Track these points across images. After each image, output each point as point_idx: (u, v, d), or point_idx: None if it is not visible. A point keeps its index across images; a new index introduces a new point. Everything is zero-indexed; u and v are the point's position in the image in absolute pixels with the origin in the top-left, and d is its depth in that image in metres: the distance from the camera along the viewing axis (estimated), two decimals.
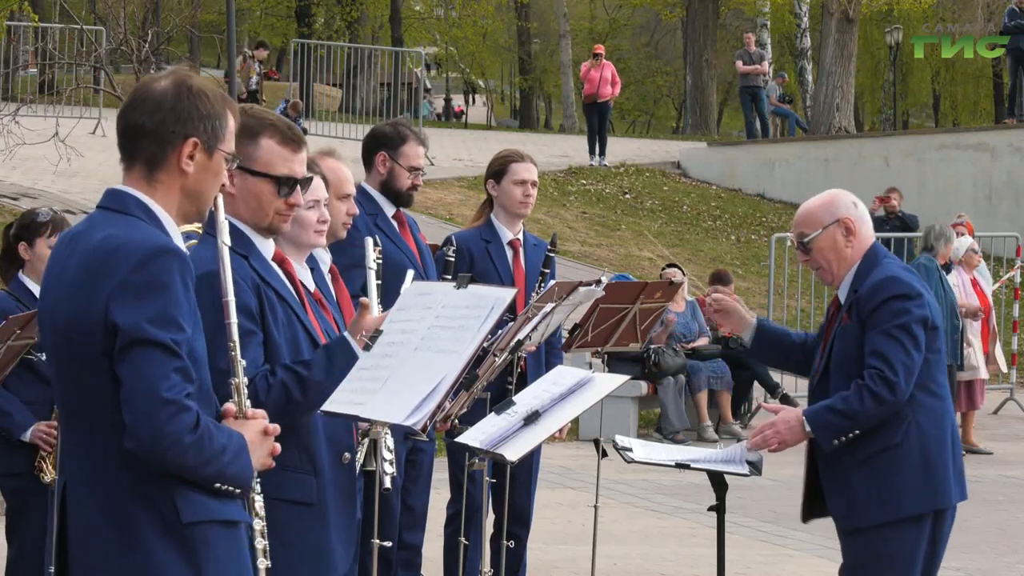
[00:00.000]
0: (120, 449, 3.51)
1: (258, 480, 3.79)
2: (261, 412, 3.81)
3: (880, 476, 5.42)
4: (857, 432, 5.40)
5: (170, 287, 3.52)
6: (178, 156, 3.68)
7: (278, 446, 3.79)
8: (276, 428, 3.79)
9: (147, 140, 3.68)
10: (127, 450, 3.50)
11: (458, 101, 62.72)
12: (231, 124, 3.79)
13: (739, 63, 30.08)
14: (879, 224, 19.15)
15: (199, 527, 3.58)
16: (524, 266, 7.25)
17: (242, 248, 4.40)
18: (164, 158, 3.69)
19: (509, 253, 7.24)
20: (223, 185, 3.83)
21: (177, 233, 3.72)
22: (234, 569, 3.67)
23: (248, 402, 3.76)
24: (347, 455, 4.51)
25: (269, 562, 3.80)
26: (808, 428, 5.46)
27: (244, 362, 3.77)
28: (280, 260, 4.52)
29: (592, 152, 26.86)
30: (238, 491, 3.66)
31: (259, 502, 3.80)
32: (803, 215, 5.68)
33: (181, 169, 3.69)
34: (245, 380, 3.76)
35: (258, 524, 3.79)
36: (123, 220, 3.64)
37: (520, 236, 7.29)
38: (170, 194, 3.71)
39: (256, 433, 3.72)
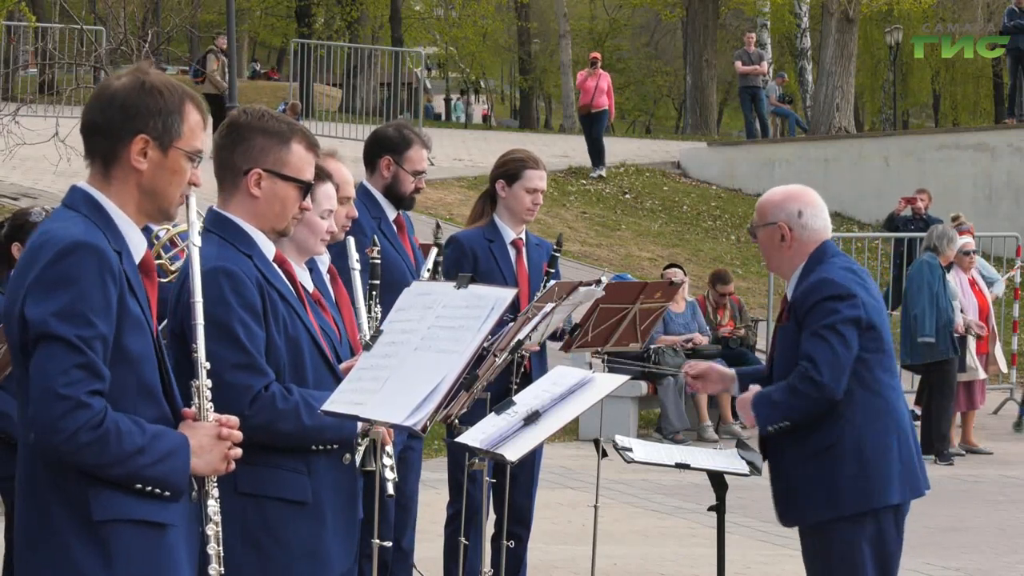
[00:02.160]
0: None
1: (215, 485, 3.71)
2: (233, 420, 3.76)
3: (817, 475, 5.51)
4: (788, 424, 5.52)
5: (81, 282, 3.50)
6: (128, 153, 3.67)
7: (238, 451, 3.74)
8: (235, 435, 3.72)
9: (99, 136, 3.70)
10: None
11: (456, 101, 62.60)
12: (192, 121, 3.75)
13: (738, 63, 30.03)
14: (904, 224, 19.14)
15: (112, 525, 3.55)
16: (527, 266, 7.25)
17: (246, 248, 4.41)
18: (116, 155, 3.68)
19: (512, 253, 7.23)
20: (192, 183, 3.80)
21: (132, 229, 3.69)
22: (151, 572, 3.61)
23: (210, 405, 3.70)
24: (347, 456, 4.51)
25: (222, 568, 3.72)
26: (752, 410, 5.61)
27: (208, 365, 3.72)
28: (280, 261, 4.53)
29: (593, 161, 26.23)
30: (166, 494, 3.60)
31: (213, 507, 3.71)
32: (761, 203, 5.85)
33: (133, 166, 3.68)
34: (208, 383, 3.71)
35: (211, 529, 3.71)
36: (68, 216, 3.64)
37: (523, 236, 7.29)
38: (126, 191, 3.69)
39: (207, 437, 3.67)
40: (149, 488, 3.56)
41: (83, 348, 3.47)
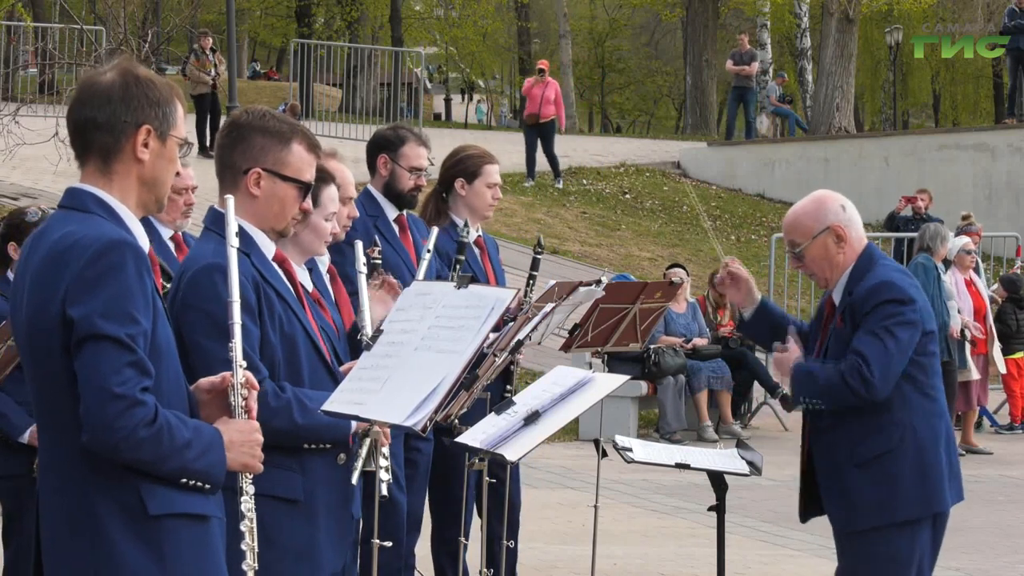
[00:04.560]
0: (82, 444, 3.53)
1: (249, 481, 3.76)
2: (254, 381, 3.79)
3: (877, 480, 5.45)
4: (820, 405, 5.46)
5: (123, 280, 3.53)
6: (133, 145, 3.70)
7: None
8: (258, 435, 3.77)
9: (100, 132, 3.69)
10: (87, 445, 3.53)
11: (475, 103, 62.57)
12: (180, 111, 3.80)
13: (729, 62, 30.06)
14: (904, 224, 19.15)
15: (165, 520, 3.59)
16: (491, 264, 7.24)
17: (244, 246, 4.40)
18: (119, 148, 3.70)
19: (477, 252, 7.21)
20: (178, 173, 3.83)
21: (137, 225, 3.72)
22: (201, 564, 3.66)
23: (244, 402, 3.74)
24: (342, 456, 4.50)
25: (256, 565, 3.74)
26: (789, 376, 5.57)
27: (244, 363, 3.75)
28: (281, 260, 4.53)
29: (530, 175, 24.19)
30: (207, 487, 3.65)
31: (248, 503, 3.75)
32: (792, 223, 5.69)
33: (137, 158, 3.71)
34: (242, 379, 3.74)
35: (246, 525, 3.74)
36: (81, 217, 3.66)
37: (481, 234, 7.27)
38: (127, 185, 3.72)
39: (239, 432, 3.71)
40: (193, 482, 3.61)
41: (132, 346, 3.50)
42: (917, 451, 5.45)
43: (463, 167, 7.14)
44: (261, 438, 3.76)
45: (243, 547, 3.74)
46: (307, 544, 4.37)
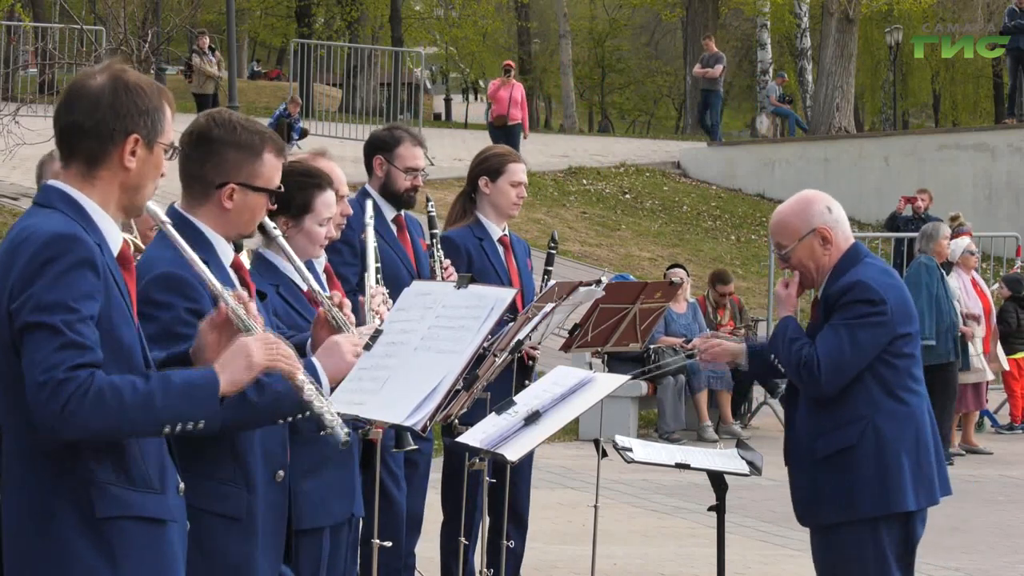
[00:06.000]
0: (38, 444, 3.54)
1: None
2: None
3: (836, 476, 5.48)
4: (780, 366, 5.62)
5: (60, 272, 3.52)
6: (120, 153, 3.68)
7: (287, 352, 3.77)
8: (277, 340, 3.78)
9: (86, 139, 3.68)
10: (41, 445, 3.53)
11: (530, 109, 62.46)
12: (168, 115, 3.78)
13: (697, 66, 29.98)
14: (904, 224, 19.13)
15: (117, 522, 3.58)
16: (516, 263, 7.25)
17: (202, 252, 4.33)
18: (105, 156, 3.69)
19: (501, 250, 7.22)
20: (162, 173, 3.82)
21: (108, 223, 3.71)
22: (155, 567, 3.65)
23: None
24: (280, 473, 4.43)
25: None
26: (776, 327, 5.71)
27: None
28: (237, 267, 4.46)
29: None
30: (200, 425, 3.60)
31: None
32: (778, 225, 5.68)
33: (124, 166, 3.69)
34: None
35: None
36: (43, 213, 3.65)
37: (507, 233, 7.29)
38: (109, 190, 3.71)
39: (259, 339, 3.72)
40: (180, 427, 3.56)
41: (64, 330, 3.47)
42: (878, 450, 5.45)
43: (487, 165, 7.17)
44: (278, 341, 3.73)
45: None
46: (244, 560, 4.26)
